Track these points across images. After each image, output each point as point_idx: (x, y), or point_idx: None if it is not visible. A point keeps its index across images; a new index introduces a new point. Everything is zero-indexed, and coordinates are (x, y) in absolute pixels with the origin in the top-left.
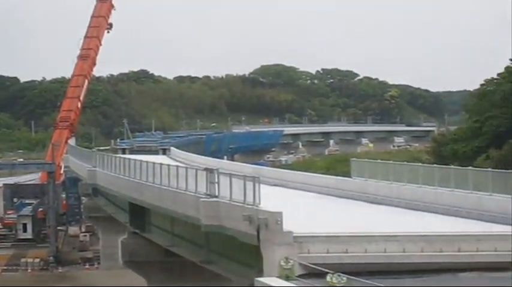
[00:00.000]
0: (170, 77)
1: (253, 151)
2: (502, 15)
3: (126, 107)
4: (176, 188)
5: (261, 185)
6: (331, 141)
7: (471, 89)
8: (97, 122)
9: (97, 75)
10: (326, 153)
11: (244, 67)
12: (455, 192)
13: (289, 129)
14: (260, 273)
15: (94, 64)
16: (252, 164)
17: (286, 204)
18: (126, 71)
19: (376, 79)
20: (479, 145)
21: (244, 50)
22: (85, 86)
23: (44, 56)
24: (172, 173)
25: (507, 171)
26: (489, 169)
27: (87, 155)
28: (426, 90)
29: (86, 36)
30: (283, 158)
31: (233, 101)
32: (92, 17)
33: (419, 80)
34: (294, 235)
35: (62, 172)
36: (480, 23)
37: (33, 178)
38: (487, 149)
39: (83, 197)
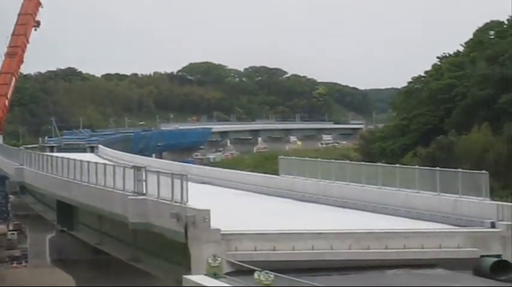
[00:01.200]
0: (98, 74)
1: (182, 148)
2: (430, 14)
3: (54, 105)
4: (104, 186)
5: (189, 183)
6: (260, 139)
7: (399, 87)
8: (25, 120)
9: (24, 73)
10: (254, 151)
11: (172, 65)
12: (383, 189)
13: (218, 127)
14: (188, 271)
15: (21, 62)
16: (180, 161)
17: (214, 202)
18: (54, 68)
19: (304, 77)
20: (407, 143)
21: (171, 47)
22: (12, 84)
23: None
24: (100, 171)
25: (434, 168)
26: (416, 166)
27: (15, 153)
28: (354, 88)
29: (13, 34)
30: (211, 156)
31: (161, 98)
32: (19, 14)
33: (347, 77)
34: (222, 232)
35: None
36: (407, 22)
37: None
38: (414, 147)
39: (10, 195)
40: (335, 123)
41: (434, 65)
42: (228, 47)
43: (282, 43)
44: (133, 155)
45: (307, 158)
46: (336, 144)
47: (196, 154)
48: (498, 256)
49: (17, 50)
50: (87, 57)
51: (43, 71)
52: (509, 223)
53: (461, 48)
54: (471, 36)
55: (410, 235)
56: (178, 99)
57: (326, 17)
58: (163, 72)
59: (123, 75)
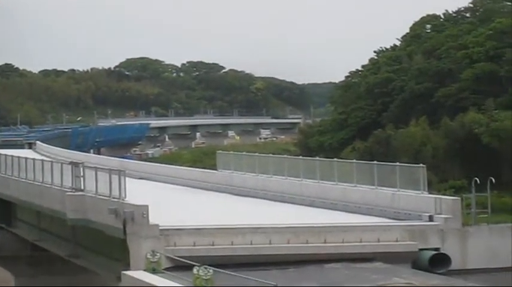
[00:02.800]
0: (35, 71)
1: (120, 144)
2: (366, 8)
3: None
4: (42, 182)
5: (127, 179)
6: (198, 134)
7: (336, 82)
8: None
9: None
10: (193, 146)
11: (109, 60)
12: (321, 183)
13: (156, 123)
14: (127, 266)
15: None
16: (118, 157)
17: (152, 197)
18: None
19: (242, 72)
20: (345, 137)
21: (108, 43)
22: None
23: None
24: (37, 167)
25: (372, 162)
26: (354, 161)
27: None
28: (292, 83)
29: None
30: (149, 151)
31: (99, 94)
32: None
33: (285, 72)
34: (160, 228)
35: None
36: (344, 16)
37: None
38: (352, 141)
39: None
40: (273, 118)
41: (371, 59)
42: (164, 42)
43: (218, 38)
44: (72, 151)
45: (245, 153)
46: (275, 139)
47: (134, 149)
48: (436, 249)
49: None
50: (24, 54)
51: None
52: (447, 216)
53: (398, 42)
54: (408, 30)
55: (349, 229)
56: (116, 95)
57: (263, 12)
58: (100, 68)
59: (60, 71)
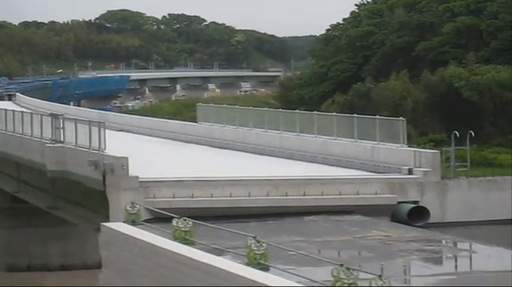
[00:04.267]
0: (15, 22)
1: (100, 96)
2: None
3: None
4: (21, 134)
5: (107, 131)
6: (178, 87)
7: (317, 35)
8: None
9: None
10: (173, 98)
11: (89, 12)
12: (301, 136)
13: (136, 75)
14: (107, 218)
15: None
16: (98, 109)
17: (132, 149)
18: None
19: (223, 24)
20: (325, 90)
21: None
22: None
23: None
24: (17, 118)
25: (351, 115)
26: (334, 113)
27: None
28: (272, 36)
29: None
30: (129, 104)
31: (79, 46)
32: None
33: (266, 25)
34: (140, 179)
35: None
36: None
37: None
38: (332, 94)
39: None
40: (254, 71)
41: (352, 13)
42: None
43: None
44: (52, 103)
45: (225, 106)
46: (255, 92)
47: (114, 101)
48: (415, 202)
49: None
50: (3, 5)
51: None
52: (426, 169)
53: None
54: None
55: (328, 182)
56: (97, 47)
57: None
58: (81, 20)
59: (40, 23)
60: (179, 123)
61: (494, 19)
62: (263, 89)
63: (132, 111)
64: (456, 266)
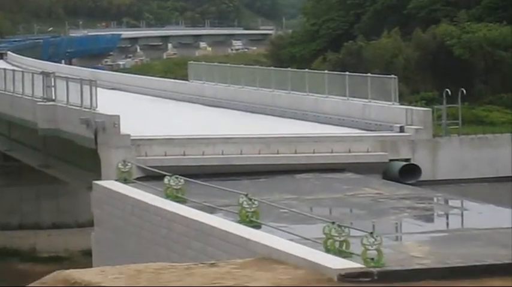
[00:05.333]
0: None
1: (91, 55)
2: None
3: None
4: (13, 92)
5: (99, 89)
6: (170, 45)
7: None
8: None
9: None
10: (164, 57)
11: None
12: (292, 94)
13: (127, 33)
14: (98, 176)
15: None
16: (89, 68)
17: (123, 107)
18: None
19: None
20: (317, 48)
21: None
22: None
23: None
24: (8, 77)
25: (343, 73)
26: (326, 71)
27: None
28: None
29: None
30: (121, 62)
31: (70, 4)
32: None
33: None
34: (132, 138)
35: None
36: None
37: None
38: (324, 52)
39: None
40: (245, 29)
41: None
42: None
43: None
44: (43, 62)
45: (216, 64)
46: (246, 50)
47: (105, 60)
48: (407, 160)
49: None
50: None
51: None
52: (417, 127)
53: None
54: None
55: (320, 140)
56: (88, 5)
57: None
58: None
59: None
60: (171, 82)
61: None
62: (254, 48)
63: (124, 70)
64: (448, 224)
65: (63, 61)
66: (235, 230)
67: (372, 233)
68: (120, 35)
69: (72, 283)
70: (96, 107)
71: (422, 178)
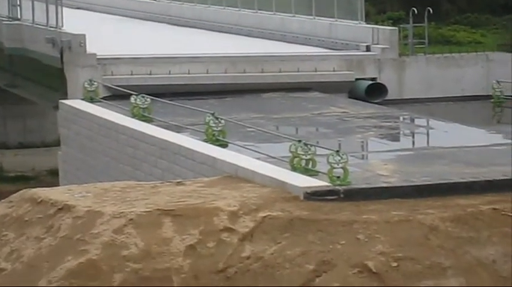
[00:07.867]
0: None
1: None
2: None
3: None
4: None
5: (64, 8)
6: None
7: None
8: None
9: None
10: None
11: None
12: (259, 13)
13: None
14: (65, 96)
15: None
16: None
17: (89, 27)
18: None
19: None
20: None
21: None
22: None
23: None
24: None
25: None
26: None
27: None
28: None
29: None
30: None
31: None
32: None
33: None
34: (98, 57)
35: None
36: None
37: None
38: None
39: None
40: None
41: None
42: None
43: None
44: None
45: None
46: None
47: None
48: (373, 79)
49: None
50: None
51: None
52: (384, 46)
53: None
54: None
55: (286, 59)
56: None
57: None
58: None
59: None
60: (137, 1)
61: None
62: None
63: None
64: (413, 142)
65: None
66: (202, 149)
67: (338, 151)
68: None
69: (38, 202)
70: (62, 26)
71: (389, 97)
